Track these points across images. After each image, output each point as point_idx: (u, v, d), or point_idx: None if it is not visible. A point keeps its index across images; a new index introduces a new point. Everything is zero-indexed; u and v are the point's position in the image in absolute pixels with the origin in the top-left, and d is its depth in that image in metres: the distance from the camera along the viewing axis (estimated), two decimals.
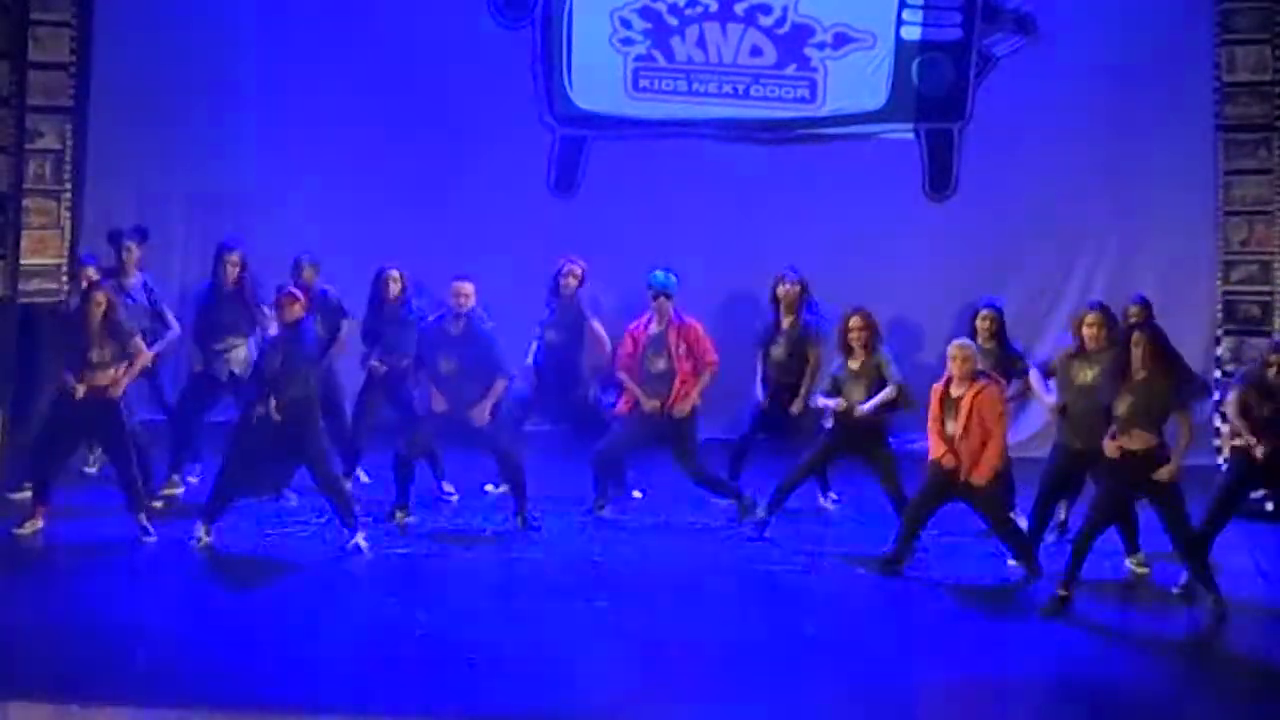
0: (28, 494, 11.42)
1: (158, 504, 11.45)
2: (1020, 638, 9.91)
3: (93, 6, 13.74)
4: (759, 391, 12.24)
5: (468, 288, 11.52)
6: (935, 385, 10.78)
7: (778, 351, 12.24)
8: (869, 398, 11.30)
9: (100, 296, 11.23)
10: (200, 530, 10.96)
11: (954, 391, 10.65)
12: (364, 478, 12.36)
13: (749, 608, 10.30)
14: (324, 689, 8.75)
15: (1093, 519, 10.29)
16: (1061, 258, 14.01)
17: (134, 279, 12.43)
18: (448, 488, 12.20)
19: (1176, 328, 11.47)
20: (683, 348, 11.74)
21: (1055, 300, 13.74)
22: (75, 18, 13.54)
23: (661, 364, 11.73)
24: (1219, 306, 13.32)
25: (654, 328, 11.79)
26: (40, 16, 13.40)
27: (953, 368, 10.67)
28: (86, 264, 11.98)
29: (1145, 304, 11.36)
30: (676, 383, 11.69)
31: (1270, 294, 13.05)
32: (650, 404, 11.69)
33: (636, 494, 12.32)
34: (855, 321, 11.42)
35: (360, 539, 10.96)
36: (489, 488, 12.30)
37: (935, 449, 10.69)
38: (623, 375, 11.85)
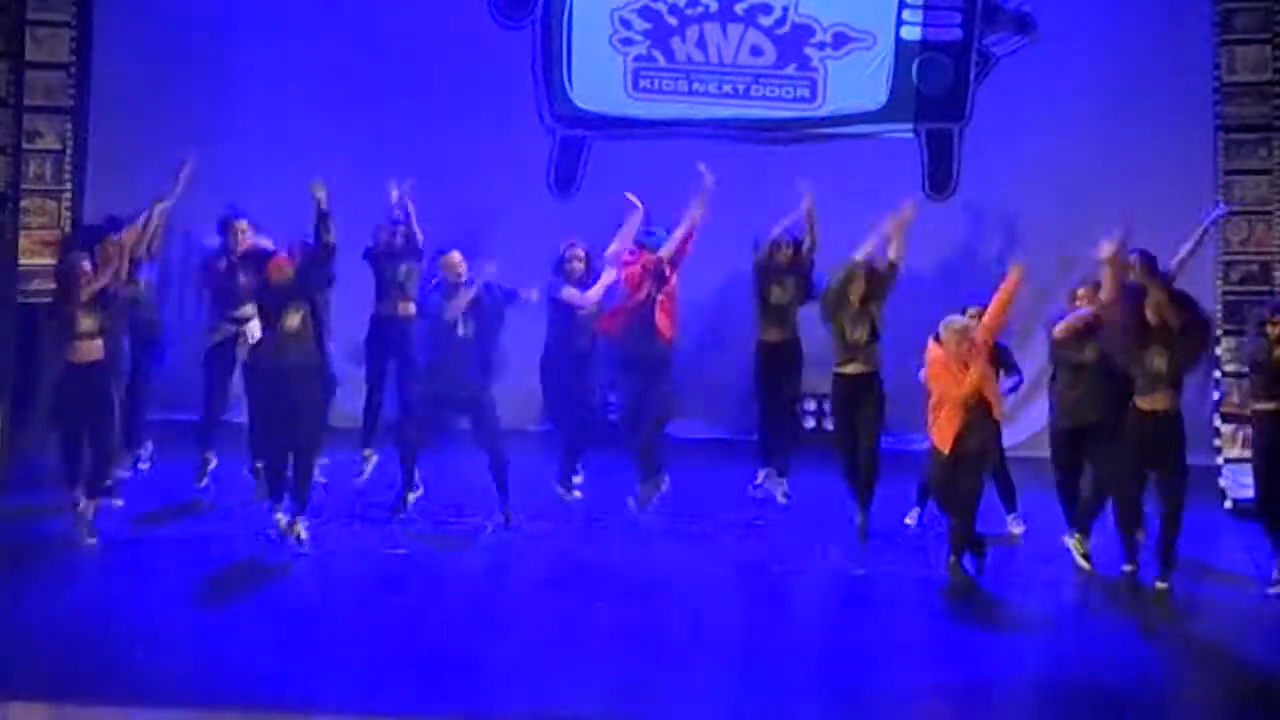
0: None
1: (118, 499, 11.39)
2: (1019, 638, 9.93)
3: (92, 6, 13.75)
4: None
5: (455, 256, 11.57)
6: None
7: (779, 294, 12.21)
8: (870, 338, 11.37)
9: (83, 265, 11.00)
10: (279, 515, 10.97)
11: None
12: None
13: (748, 608, 10.30)
14: (323, 689, 8.76)
15: (1123, 497, 10.29)
16: (1061, 258, 13.98)
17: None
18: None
19: None
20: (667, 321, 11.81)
21: (1054, 301, 13.69)
22: (75, 18, 13.54)
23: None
24: (1219, 306, 13.31)
25: (641, 294, 11.79)
26: (40, 16, 13.41)
27: (962, 350, 10.46)
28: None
29: (1146, 257, 11.22)
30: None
31: (1270, 294, 13.03)
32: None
33: (631, 502, 12.30)
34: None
35: (300, 528, 10.96)
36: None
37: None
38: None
